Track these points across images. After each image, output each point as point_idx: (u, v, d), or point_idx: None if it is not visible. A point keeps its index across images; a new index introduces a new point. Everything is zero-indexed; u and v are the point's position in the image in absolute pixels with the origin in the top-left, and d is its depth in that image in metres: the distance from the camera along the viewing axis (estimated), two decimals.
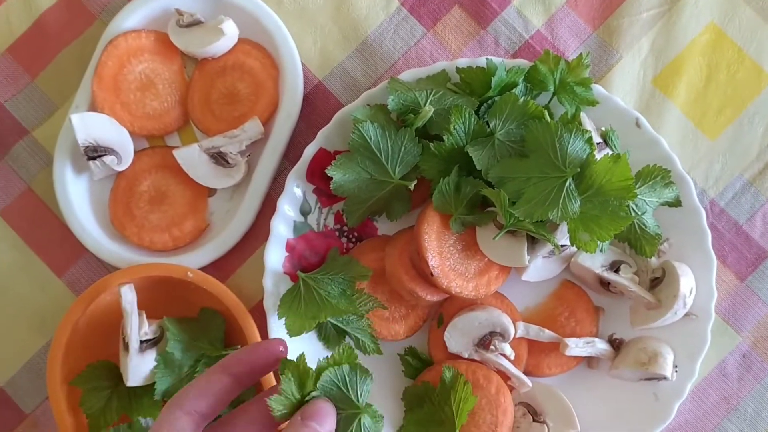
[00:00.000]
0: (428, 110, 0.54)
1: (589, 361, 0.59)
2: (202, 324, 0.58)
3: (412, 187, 0.55)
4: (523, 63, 0.57)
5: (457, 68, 0.57)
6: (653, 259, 0.57)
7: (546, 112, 0.54)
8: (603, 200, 0.52)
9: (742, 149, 0.61)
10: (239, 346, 0.57)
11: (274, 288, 0.57)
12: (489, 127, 0.55)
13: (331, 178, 0.55)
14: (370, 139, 0.54)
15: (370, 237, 0.60)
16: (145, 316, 0.56)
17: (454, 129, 0.54)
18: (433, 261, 0.54)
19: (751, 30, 0.62)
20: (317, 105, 0.61)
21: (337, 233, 0.60)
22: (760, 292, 0.60)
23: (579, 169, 0.52)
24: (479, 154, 0.54)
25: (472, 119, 0.54)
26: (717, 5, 0.62)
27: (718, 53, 0.62)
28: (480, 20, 0.62)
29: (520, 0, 0.62)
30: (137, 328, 0.55)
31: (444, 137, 0.54)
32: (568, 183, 0.52)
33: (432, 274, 0.54)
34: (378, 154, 0.55)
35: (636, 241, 0.57)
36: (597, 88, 0.57)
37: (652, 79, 0.62)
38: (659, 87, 0.61)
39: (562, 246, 0.56)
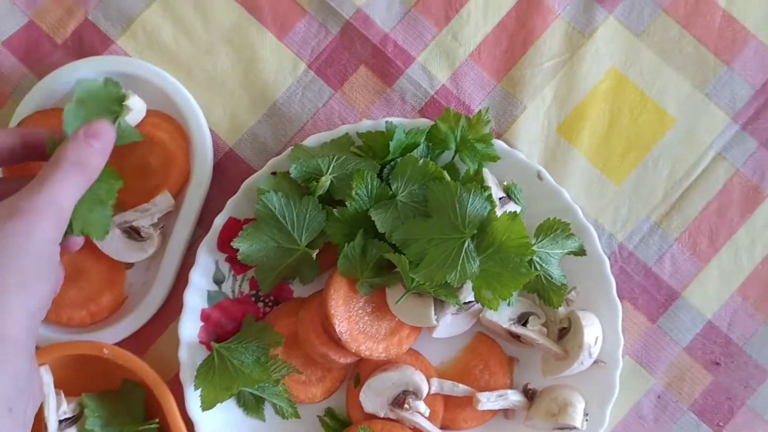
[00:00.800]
0: (325, 180, 0.55)
1: (506, 412, 0.60)
2: (123, 397, 0.59)
3: (314, 255, 0.56)
4: (423, 123, 0.58)
5: (357, 133, 0.58)
6: (561, 308, 0.58)
7: (445, 173, 0.55)
8: (504, 257, 0.53)
9: (647, 192, 0.62)
10: (157, 420, 0.58)
11: (189, 359, 0.58)
12: (391, 189, 0.56)
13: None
14: (275, 208, 0.55)
15: (285, 300, 0.61)
16: (63, 395, 0.57)
17: (356, 194, 0.55)
18: (341, 326, 0.55)
19: (653, 73, 0.63)
20: (229, 172, 0.62)
21: (252, 299, 0.61)
22: (672, 333, 0.61)
23: (477, 230, 0.53)
24: (382, 218, 0.55)
25: (374, 183, 0.55)
26: (617, 51, 0.63)
27: (621, 98, 0.62)
28: (386, 79, 0.63)
29: (425, 56, 0.63)
30: (55, 409, 0.56)
31: (347, 202, 0.55)
32: (467, 244, 0.53)
33: (340, 340, 0.55)
34: (284, 223, 0.56)
35: (543, 292, 0.58)
36: (498, 143, 0.58)
37: (557, 127, 0.63)
38: (563, 135, 0.62)
39: (470, 302, 0.57)
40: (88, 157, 0.49)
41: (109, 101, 0.55)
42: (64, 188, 0.48)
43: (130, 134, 0.56)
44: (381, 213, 0.55)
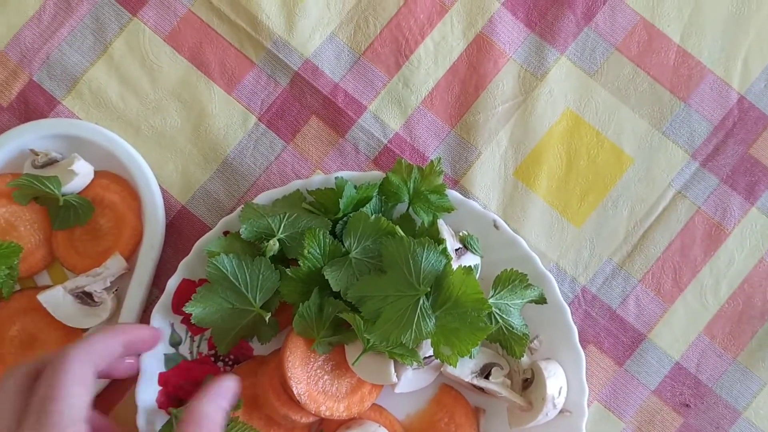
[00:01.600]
0: (273, 243, 0.54)
1: None
2: None
3: (267, 319, 0.54)
4: (375, 176, 0.57)
5: (308, 191, 0.57)
6: (525, 357, 0.57)
7: (398, 228, 0.54)
8: (461, 312, 0.52)
9: (608, 233, 0.61)
10: None
11: (148, 426, 0.57)
12: (344, 246, 0.55)
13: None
14: (227, 270, 0.54)
15: (246, 358, 0.60)
16: None
17: (309, 253, 0.54)
18: (299, 388, 0.54)
19: (609, 112, 0.62)
20: (183, 230, 0.61)
21: (212, 359, 0.60)
22: (640, 376, 0.60)
23: (431, 287, 0.52)
24: (336, 276, 0.54)
25: (327, 240, 0.54)
26: (572, 91, 0.62)
27: (577, 139, 0.62)
28: (338, 129, 0.62)
29: (376, 105, 0.62)
30: None
31: (300, 262, 0.54)
32: (421, 302, 0.52)
33: (299, 401, 0.54)
34: (237, 285, 0.55)
35: (505, 342, 0.56)
36: (452, 193, 0.57)
37: (514, 171, 0.62)
38: (521, 179, 0.61)
39: (430, 356, 0.56)
40: (219, 423, 0.48)
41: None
42: None
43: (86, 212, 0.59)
44: (335, 271, 0.54)
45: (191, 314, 0.56)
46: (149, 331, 0.54)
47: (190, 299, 0.56)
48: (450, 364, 0.53)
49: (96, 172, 0.60)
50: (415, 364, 0.55)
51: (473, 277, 0.51)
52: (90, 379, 0.46)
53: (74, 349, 0.46)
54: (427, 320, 0.52)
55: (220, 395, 0.50)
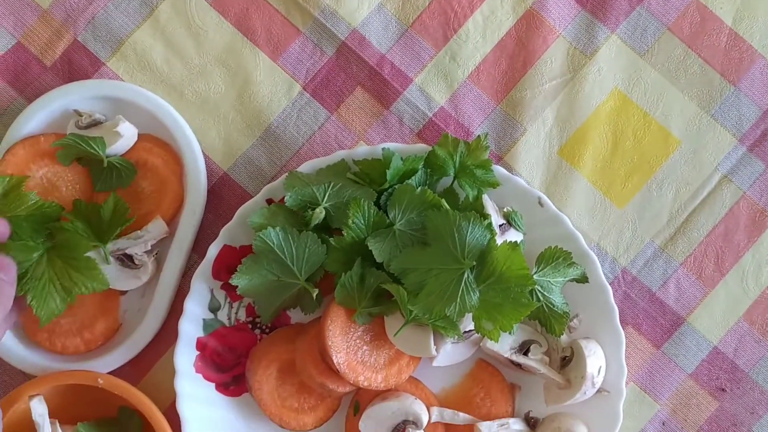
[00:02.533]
0: (320, 211, 0.54)
1: None
2: (120, 425, 0.58)
3: (314, 295, 0.54)
4: (421, 149, 0.57)
5: (354, 160, 0.56)
6: (564, 336, 0.57)
7: (443, 201, 0.54)
8: (504, 288, 0.52)
9: (651, 216, 0.61)
10: None
11: (186, 389, 0.57)
12: (389, 217, 0.54)
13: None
14: (273, 243, 0.54)
15: (282, 325, 0.60)
16: (58, 424, 0.56)
17: (353, 223, 0.54)
18: (338, 358, 0.54)
19: (657, 93, 0.61)
20: (224, 196, 0.61)
21: (250, 326, 0.60)
22: (677, 359, 0.60)
23: (475, 261, 0.51)
24: (380, 247, 0.54)
25: (372, 211, 0.54)
26: (621, 70, 0.61)
27: (624, 119, 0.61)
28: (383, 101, 0.61)
29: (422, 78, 0.61)
30: None
31: (344, 232, 0.54)
32: (466, 275, 0.51)
33: (338, 371, 0.54)
34: (283, 258, 0.54)
35: (545, 320, 0.56)
36: (498, 169, 0.57)
37: (558, 150, 0.61)
38: (565, 158, 0.61)
39: (471, 330, 0.56)
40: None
41: None
42: None
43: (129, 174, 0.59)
44: (379, 242, 0.54)
45: (236, 285, 0.56)
46: None
47: (232, 266, 0.56)
48: (491, 339, 0.53)
49: (139, 135, 0.60)
50: (455, 337, 0.55)
51: (519, 252, 0.51)
52: None
53: None
54: (471, 294, 0.51)
55: None
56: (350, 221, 0.53)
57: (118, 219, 0.57)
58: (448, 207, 0.54)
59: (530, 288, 0.52)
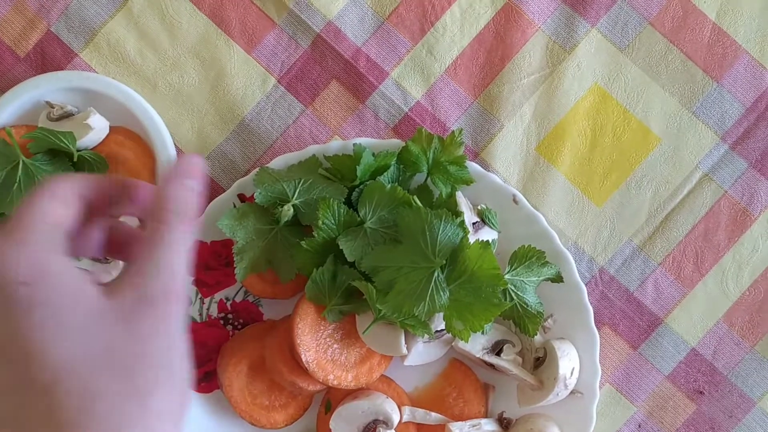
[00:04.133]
0: (288, 209, 0.53)
1: None
2: None
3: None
4: (394, 144, 0.56)
5: (325, 156, 0.55)
6: (538, 336, 0.56)
7: (415, 198, 0.53)
8: (476, 287, 0.51)
9: (630, 214, 0.60)
10: None
11: None
12: (359, 215, 0.54)
13: (211, 269, 0.55)
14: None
15: (254, 322, 0.59)
16: None
17: (324, 224, 0.53)
18: (307, 356, 0.54)
19: (638, 90, 0.60)
20: None
21: (221, 321, 0.59)
22: (654, 360, 0.59)
23: (446, 260, 0.51)
24: (351, 246, 0.53)
25: (342, 210, 0.53)
26: (601, 66, 0.60)
27: (603, 116, 0.60)
28: (358, 95, 0.60)
29: (399, 72, 0.60)
30: None
31: (314, 232, 0.53)
32: (436, 274, 0.51)
33: (307, 369, 0.54)
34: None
35: (519, 320, 0.56)
36: (472, 165, 0.56)
37: (536, 146, 0.60)
38: (543, 154, 0.60)
39: (441, 330, 0.55)
40: (188, 203, 0.40)
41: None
42: (181, 254, 0.38)
43: (100, 168, 0.57)
44: (350, 241, 0.53)
45: (204, 275, 0.56)
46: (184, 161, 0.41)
47: (203, 262, 0.56)
48: (462, 339, 0.52)
49: (111, 128, 0.59)
50: (426, 336, 0.54)
51: (491, 252, 0.50)
52: (70, 198, 0.38)
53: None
54: (441, 293, 0.51)
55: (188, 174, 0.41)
56: (320, 222, 0.53)
57: None
58: (419, 204, 0.53)
59: (502, 288, 0.52)
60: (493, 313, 0.51)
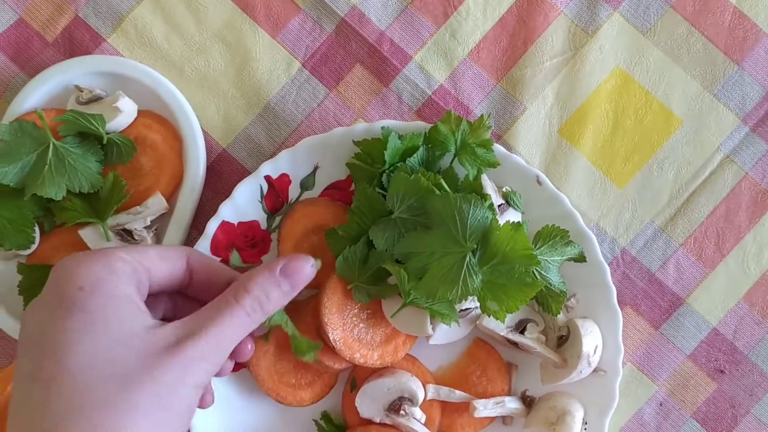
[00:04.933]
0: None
1: (504, 418, 0.59)
2: None
3: None
4: (419, 126, 0.56)
5: (353, 141, 0.56)
6: (561, 315, 0.57)
7: (442, 181, 0.53)
8: (508, 268, 0.51)
9: (651, 196, 0.60)
10: None
11: None
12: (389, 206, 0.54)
13: (237, 250, 0.56)
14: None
15: None
16: None
17: (358, 208, 0.54)
18: (335, 334, 0.54)
19: (660, 72, 0.60)
20: (223, 173, 0.61)
21: None
22: (675, 340, 0.60)
23: (477, 245, 0.51)
24: (382, 236, 0.54)
25: (375, 196, 0.54)
26: (623, 49, 0.60)
27: (625, 98, 0.60)
28: (382, 78, 0.61)
29: (422, 55, 0.61)
30: None
31: (348, 217, 0.55)
32: (468, 258, 0.51)
33: (334, 347, 0.54)
34: None
35: (542, 299, 0.56)
36: (497, 148, 0.56)
37: (558, 128, 0.61)
38: (565, 137, 0.61)
39: (467, 309, 0.56)
40: (270, 300, 0.43)
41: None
42: (233, 330, 0.41)
43: (128, 151, 0.58)
44: (380, 231, 0.54)
45: (229, 256, 0.57)
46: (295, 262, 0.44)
47: (230, 243, 0.57)
48: (498, 320, 0.53)
49: (139, 112, 0.60)
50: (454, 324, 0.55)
51: (523, 233, 0.51)
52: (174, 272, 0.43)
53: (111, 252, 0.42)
54: (474, 277, 0.51)
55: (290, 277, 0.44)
56: (354, 206, 0.54)
57: (116, 196, 0.57)
58: (447, 188, 0.54)
59: (534, 267, 0.52)
60: (528, 293, 0.52)
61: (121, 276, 0.40)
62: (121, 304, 0.40)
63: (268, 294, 0.43)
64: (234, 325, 0.41)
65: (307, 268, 0.45)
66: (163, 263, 0.44)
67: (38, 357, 0.38)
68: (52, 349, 0.38)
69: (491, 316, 0.53)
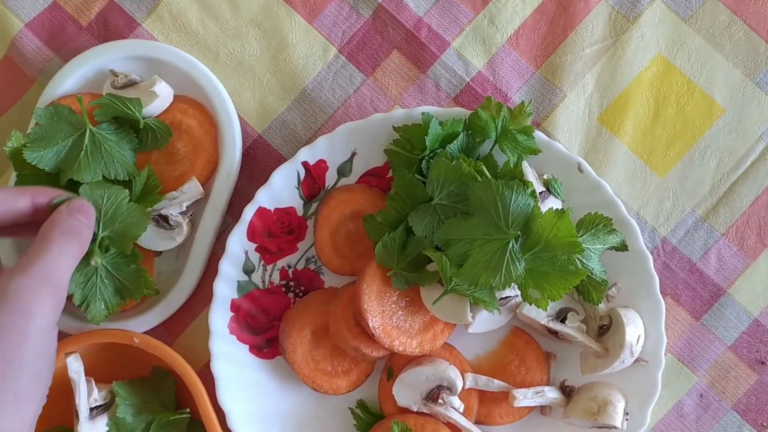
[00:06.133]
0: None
1: (542, 408, 0.58)
2: (153, 385, 0.59)
3: None
4: (459, 112, 0.56)
5: (393, 127, 0.56)
6: (602, 304, 0.56)
7: (483, 167, 0.53)
8: (551, 255, 0.51)
9: (693, 185, 0.60)
10: (188, 409, 0.57)
11: (220, 350, 0.57)
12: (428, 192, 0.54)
13: (273, 236, 0.55)
14: None
15: (315, 290, 0.60)
16: (94, 382, 0.56)
17: (396, 194, 0.53)
18: (374, 322, 0.54)
19: (701, 60, 0.60)
20: (258, 159, 0.61)
21: (283, 289, 0.60)
22: (716, 330, 0.59)
23: (520, 232, 0.50)
24: (421, 222, 0.53)
25: (415, 182, 0.54)
26: (664, 36, 0.60)
27: (667, 86, 0.60)
28: (419, 64, 0.60)
29: (460, 41, 0.60)
30: (86, 396, 0.55)
31: (387, 202, 0.54)
32: (510, 245, 0.50)
33: (374, 335, 0.54)
34: None
35: (583, 288, 0.56)
36: (538, 135, 0.56)
37: (598, 116, 0.60)
38: (605, 124, 0.60)
39: (507, 297, 0.55)
40: (78, 228, 0.49)
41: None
42: (60, 259, 0.46)
43: (164, 136, 0.58)
44: (419, 217, 0.53)
45: (266, 242, 0.57)
46: (78, 201, 0.51)
47: (266, 229, 0.56)
48: (540, 308, 0.52)
49: (174, 96, 0.60)
50: (495, 311, 0.54)
51: (568, 219, 0.50)
52: None
53: None
54: (517, 264, 0.50)
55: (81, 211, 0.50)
56: (393, 192, 0.53)
57: (148, 193, 0.57)
58: (488, 175, 0.53)
59: (578, 255, 0.51)
60: (572, 281, 0.51)
61: None
62: None
63: (74, 225, 0.49)
64: (59, 255, 0.46)
65: (85, 202, 0.51)
66: None
67: None
68: None
69: (532, 305, 0.52)
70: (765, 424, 0.59)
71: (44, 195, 0.51)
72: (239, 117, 0.60)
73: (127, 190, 0.54)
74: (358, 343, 0.56)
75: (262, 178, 0.58)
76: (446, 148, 0.54)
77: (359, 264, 0.58)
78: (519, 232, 0.50)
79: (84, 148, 0.56)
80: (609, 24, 0.60)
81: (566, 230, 0.50)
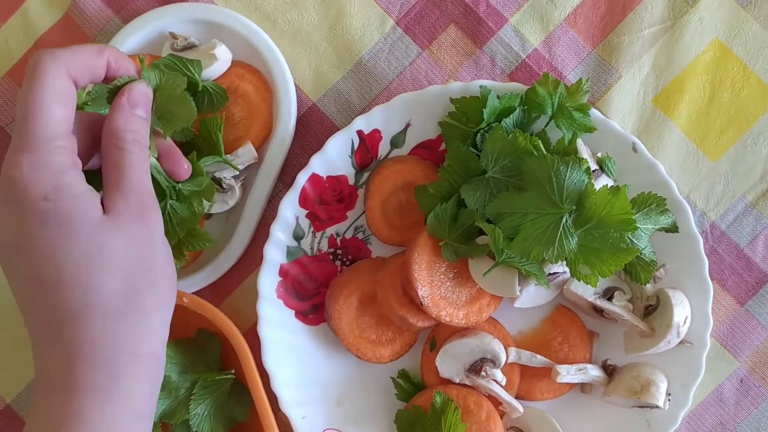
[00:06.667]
0: None
1: (583, 386, 0.59)
2: (199, 345, 0.59)
3: None
4: (515, 87, 0.56)
5: (450, 98, 0.56)
6: (648, 285, 0.56)
7: (539, 141, 0.53)
8: (603, 233, 0.51)
9: (744, 171, 0.60)
10: (233, 370, 0.58)
11: (268, 313, 0.58)
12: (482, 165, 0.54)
13: (324, 204, 0.56)
14: None
15: (363, 258, 0.60)
16: None
17: (450, 166, 0.54)
18: (423, 291, 0.54)
19: (758, 46, 0.59)
20: (311, 127, 0.61)
21: (330, 257, 0.60)
22: (760, 317, 0.59)
23: (575, 205, 0.51)
24: (473, 195, 0.54)
25: (469, 155, 0.54)
26: (723, 21, 0.60)
27: (723, 71, 0.60)
28: (476, 39, 0.61)
29: (518, 18, 0.60)
30: None
31: (440, 174, 0.55)
32: (564, 219, 0.51)
33: (422, 304, 0.55)
34: None
35: (631, 268, 0.56)
36: (594, 113, 0.56)
37: (653, 98, 0.60)
38: (660, 106, 0.60)
39: (554, 273, 0.56)
40: (143, 132, 0.47)
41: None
42: (146, 172, 0.46)
43: (220, 100, 0.57)
44: (472, 190, 0.54)
45: (317, 209, 0.57)
46: (137, 91, 0.47)
47: (317, 196, 0.57)
48: (590, 284, 0.52)
49: (232, 61, 0.60)
50: (543, 286, 0.55)
51: (624, 197, 0.50)
52: (69, 91, 0.44)
53: (49, 60, 0.43)
54: (570, 238, 0.51)
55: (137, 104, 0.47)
56: (447, 164, 0.54)
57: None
58: (544, 150, 0.53)
59: (631, 233, 0.52)
60: (623, 258, 0.51)
61: (70, 170, 0.43)
62: (82, 201, 0.43)
63: (137, 128, 0.46)
64: (143, 171, 0.46)
65: (141, 86, 0.48)
66: (68, 111, 0.44)
67: (33, 263, 0.42)
68: (44, 257, 0.41)
69: (581, 281, 0.53)
70: None
71: (115, 59, 0.47)
72: (294, 84, 0.60)
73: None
74: (404, 312, 0.56)
75: (314, 146, 0.58)
76: (502, 122, 0.55)
77: (408, 235, 0.58)
78: (573, 207, 0.51)
79: None
80: (668, 6, 0.60)
81: (621, 207, 0.50)
